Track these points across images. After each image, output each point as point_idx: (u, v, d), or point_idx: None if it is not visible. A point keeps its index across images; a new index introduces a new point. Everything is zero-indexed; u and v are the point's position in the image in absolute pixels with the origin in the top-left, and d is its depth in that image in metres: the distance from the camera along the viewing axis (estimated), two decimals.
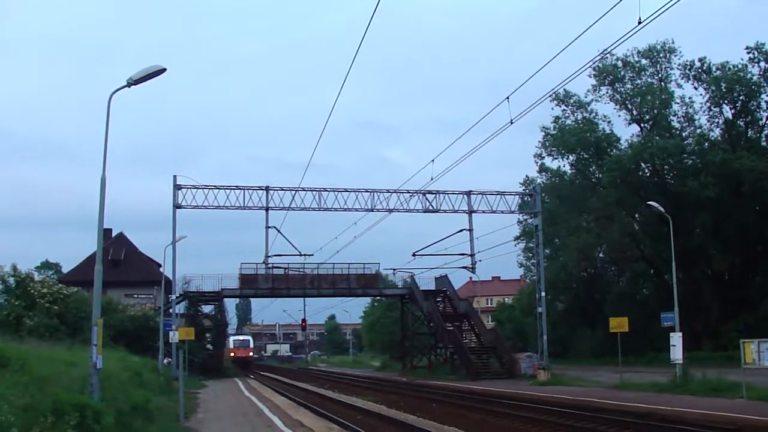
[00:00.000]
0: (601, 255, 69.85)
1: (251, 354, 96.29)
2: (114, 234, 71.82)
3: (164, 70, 17.28)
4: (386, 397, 36.99)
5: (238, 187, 41.29)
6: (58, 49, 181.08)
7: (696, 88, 55.82)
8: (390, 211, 42.64)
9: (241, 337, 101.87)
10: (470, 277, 70.35)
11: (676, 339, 29.89)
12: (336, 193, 42.20)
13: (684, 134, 57.40)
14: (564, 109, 60.35)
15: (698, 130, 57.02)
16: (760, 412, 19.77)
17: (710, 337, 52.98)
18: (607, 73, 56.90)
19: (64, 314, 35.30)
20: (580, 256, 64.87)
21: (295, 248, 42.94)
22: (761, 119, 54.82)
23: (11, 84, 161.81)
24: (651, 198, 40.41)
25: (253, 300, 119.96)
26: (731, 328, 48.67)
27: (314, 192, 41.92)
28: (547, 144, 60.92)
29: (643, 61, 57.42)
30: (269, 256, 42.04)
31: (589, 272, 70.79)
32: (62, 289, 37.85)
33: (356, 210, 42.40)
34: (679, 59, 56.34)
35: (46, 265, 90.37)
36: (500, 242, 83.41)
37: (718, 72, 53.60)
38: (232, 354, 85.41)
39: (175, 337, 35.76)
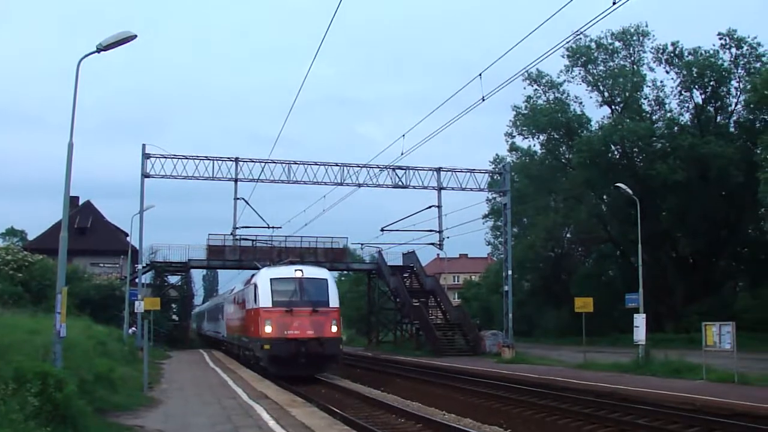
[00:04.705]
0: (568, 235, 70.37)
1: (336, 329, 31.87)
2: (81, 202, 71.15)
3: (134, 36, 17.08)
4: (351, 371, 37.12)
5: (207, 158, 41.02)
6: (29, 14, 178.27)
7: (668, 72, 56.29)
8: (359, 185, 42.54)
9: (302, 271, 33.08)
10: (438, 254, 70.42)
11: (640, 320, 30.20)
12: (305, 166, 42.04)
13: (654, 118, 57.77)
14: (536, 89, 60.60)
15: (668, 114, 57.49)
16: (718, 393, 20.10)
17: (673, 320, 53.69)
18: (580, 54, 56.99)
19: (28, 282, 35.17)
20: (547, 236, 65.32)
21: (264, 220, 42.49)
22: (730, 105, 55.25)
23: None
24: (620, 180, 40.65)
25: (220, 271, 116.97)
26: (694, 310, 49.24)
27: (284, 164, 41.73)
28: (518, 123, 61.17)
29: (617, 44, 57.55)
30: (237, 228, 41.88)
31: (556, 252, 71.28)
32: (27, 257, 37.68)
33: (325, 183, 42.23)
34: (652, 42, 56.68)
35: (11, 232, 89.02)
36: (469, 220, 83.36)
37: (690, 57, 53.87)
38: (268, 330, 30.90)
39: (140, 306, 35.52)
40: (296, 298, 31.47)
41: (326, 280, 32.79)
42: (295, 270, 32.63)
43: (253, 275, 36.07)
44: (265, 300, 31.55)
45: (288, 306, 31.03)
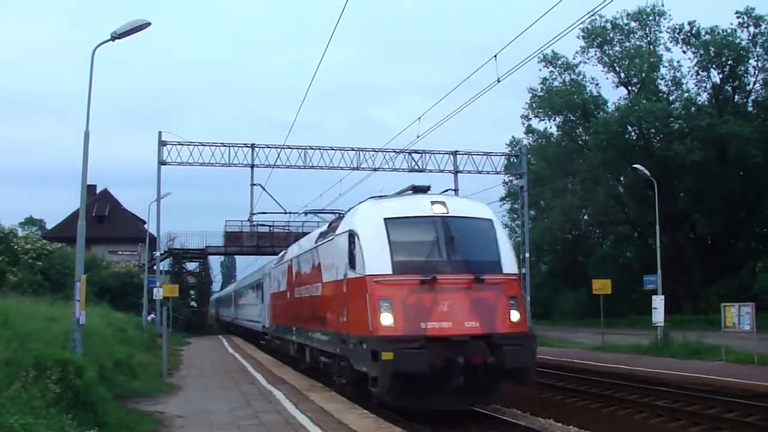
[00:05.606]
0: (585, 217, 70.19)
1: (519, 316, 15.29)
2: (98, 190, 71.55)
3: (149, 24, 17.09)
4: None
5: (223, 144, 40.97)
6: (46, 2, 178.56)
7: (684, 52, 55.82)
8: (375, 169, 42.39)
9: (446, 204, 15.98)
10: None
11: (658, 302, 30.10)
12: (321, 151, 41.94)
13: (671, 98, 57.34)
14: (552, 71, 60.22)
15: (685, 95, 57.05)
16: (738, 374, 20.04)
17: (691, 301, 53.50)
18: (595, 35, 56.63)
19: (47, 270, 35.30)
20: (564, 218, 65.15)
21: (280, 206, 42.52)
22: (748, 84, 54.74)
23: None
24: (637, 161, 40.45)
25: (237, 258, 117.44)
26: (712, 292, 49.08)
27: (300, 150, 41.65)
28: (534, 105, 60.87)
29: (632, 24, 57.16)
30: (254, 214, 41.87)
31: (573, 234, 71.20)
32: (46, 245, 37.80)
33: (341, 168, 42.06)
34: (668, 22, 56.24)
35: (29, 222, 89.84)
36: (485, 203, 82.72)
37: (707, 36, 53.42)
38: (386, 320, 14.43)
39: (159, 293, 35.76)
40: (439, 257, 15.40)
41: (491, 221, 16.79)
42: (432, 203, 16.17)
43: (335, 219, 19.79)
44: (376, 260, 15.18)
45: (425, 272, 14.94)
